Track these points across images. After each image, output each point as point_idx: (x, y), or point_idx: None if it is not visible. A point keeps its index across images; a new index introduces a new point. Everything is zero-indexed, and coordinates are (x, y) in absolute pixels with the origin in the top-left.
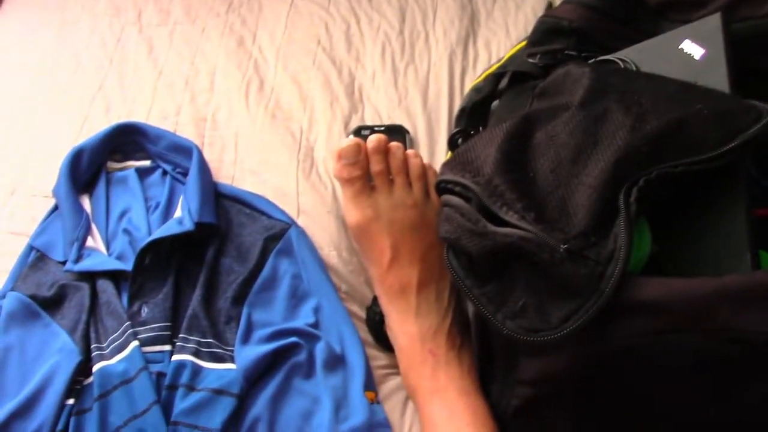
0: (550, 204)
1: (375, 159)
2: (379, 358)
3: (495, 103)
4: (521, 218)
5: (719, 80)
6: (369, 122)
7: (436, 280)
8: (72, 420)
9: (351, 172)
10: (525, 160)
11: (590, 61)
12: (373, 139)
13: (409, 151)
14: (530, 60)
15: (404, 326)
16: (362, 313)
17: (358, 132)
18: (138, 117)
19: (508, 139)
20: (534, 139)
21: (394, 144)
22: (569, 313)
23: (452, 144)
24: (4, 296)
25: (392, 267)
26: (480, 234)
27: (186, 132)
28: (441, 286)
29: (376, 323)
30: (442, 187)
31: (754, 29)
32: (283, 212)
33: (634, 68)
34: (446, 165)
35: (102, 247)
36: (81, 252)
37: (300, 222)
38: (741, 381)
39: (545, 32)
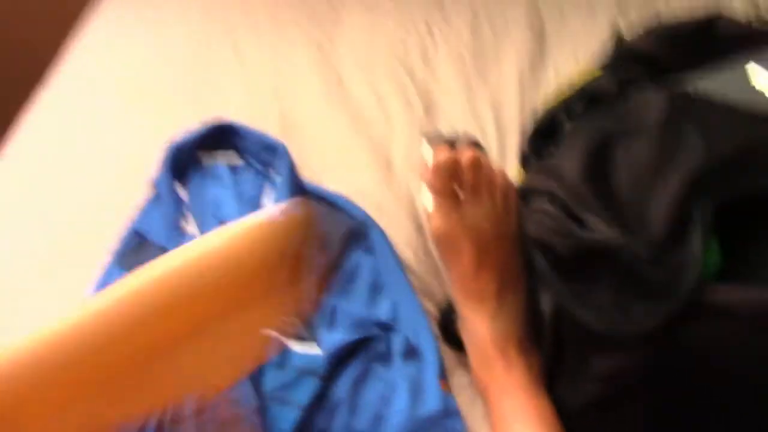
0: (630, 215)
1: (469, 172)
2: (448, 357)
3: (568, 125)
4: (606, 224)
5: None
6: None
7: (513, 288)
8: None
9: (446, 184)
10: (605, 174)
11: (664, 88)
12: (469, 155)
13: (498, 169)
14: (604, 84)
15: (480, 329)
16: (433, 310)
17: (435, 140)
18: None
19: (589, 154)
20: (613, 155)
21: (486, 159)
22: (647, 312)
23: (524, 162)
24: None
25: (474, 275)
26: (568, 235)
27: (270, 133)
28: (516, 294)
29: (448, 326)
30: (528, 193)
31: None
32: (362, 210)
33: (707, 97)
34: (531, 174)
35: (198, 234)
36: (179, 237)
37: (377, 221)
38: None
39: (619, 59)
